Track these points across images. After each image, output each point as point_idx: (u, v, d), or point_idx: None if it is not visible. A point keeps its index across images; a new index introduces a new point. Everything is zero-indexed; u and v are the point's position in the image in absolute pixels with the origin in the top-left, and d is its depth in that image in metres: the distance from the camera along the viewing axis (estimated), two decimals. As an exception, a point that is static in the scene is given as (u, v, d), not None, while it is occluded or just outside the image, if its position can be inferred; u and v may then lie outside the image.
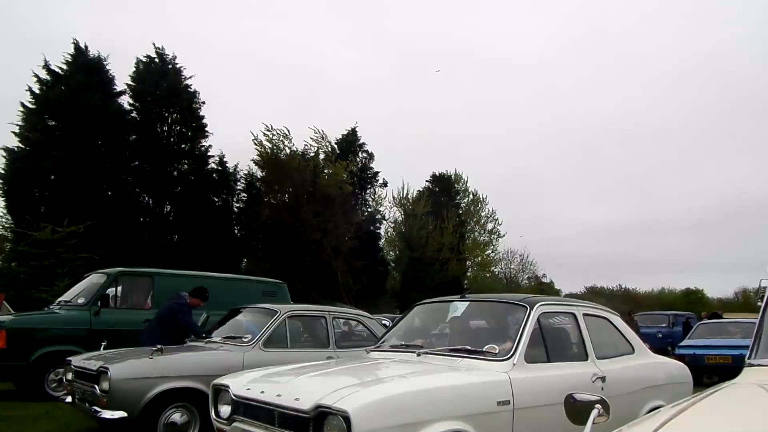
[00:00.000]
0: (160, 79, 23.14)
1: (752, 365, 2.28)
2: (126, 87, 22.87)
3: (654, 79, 72.61)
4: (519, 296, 4.53)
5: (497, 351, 3.76)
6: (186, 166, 23.84)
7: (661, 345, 15.23)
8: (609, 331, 4.78)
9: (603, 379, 4.13)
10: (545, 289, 36.65)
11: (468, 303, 4.52)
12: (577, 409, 1.72)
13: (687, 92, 72.21)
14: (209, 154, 24.47)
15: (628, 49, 72.60)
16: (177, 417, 5.14)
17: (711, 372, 10.18)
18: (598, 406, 1.67)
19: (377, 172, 30.65)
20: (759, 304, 2.75)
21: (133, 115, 22.86)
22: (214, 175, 24.79)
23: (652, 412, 1.71)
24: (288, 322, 6.07)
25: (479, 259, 35.47)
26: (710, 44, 71.69)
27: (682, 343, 11.44)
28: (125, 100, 22.92)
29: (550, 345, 4.07)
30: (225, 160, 25.20)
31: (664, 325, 18.77)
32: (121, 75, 23.14)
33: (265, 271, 15.68)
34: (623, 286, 51.65)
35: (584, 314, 4.51)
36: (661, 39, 73.08)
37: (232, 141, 40.90)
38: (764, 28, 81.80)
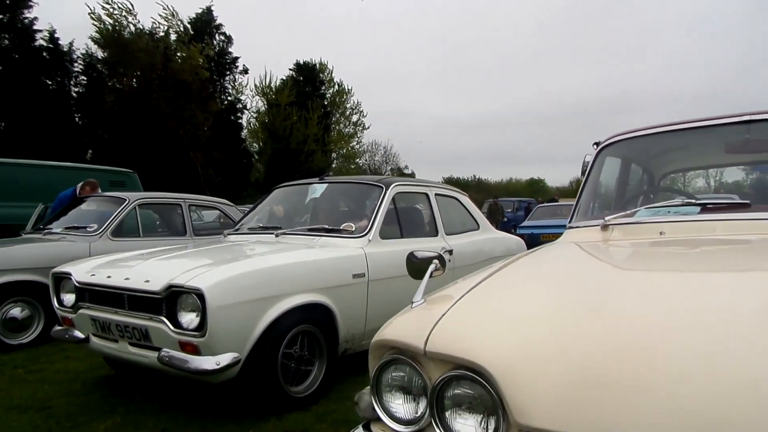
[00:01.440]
0: (-39, -70, 19.07)
1: (571, 228, 2.57)
2: None
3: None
4: (376, 177, 4.66)
5: (353, 229, 3.89)
6: (7, 42, 20.48)
7: (506, 227, 16.88)
8: (458, 210, 5.15)
9: (450, 252, 4.48)
10: (406, 179, 38.15)
11: (327, 185, 4.57)
12: (416, 266, 1.84)
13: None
14: (35, 27, 21.20)
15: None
16: (17, 312, 4.89)
17: (545, 248, 11.50)
18: (435, 261, 1.79)
19: (237, 58, 28.69)
20: (582, 178, 3.04)
21: (-72, -26, 18.85)
22: (44, 54, 21.67)
23: (486, 266, 1.88)
24: (139, 210, 5.76)
25: (344, 150, 35.61)
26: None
27: (523, 224, 12.73)
28: None
29: (404, 222, 4.29)
30: (57, 36, 22.11)
31: (509, 210, 20.83)
32: None
33: (115, 163, 14.35)
34: (477, 177, 55.77)
35: (436, 194, 4.78)
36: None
37: (64, 14, 35.43)
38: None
